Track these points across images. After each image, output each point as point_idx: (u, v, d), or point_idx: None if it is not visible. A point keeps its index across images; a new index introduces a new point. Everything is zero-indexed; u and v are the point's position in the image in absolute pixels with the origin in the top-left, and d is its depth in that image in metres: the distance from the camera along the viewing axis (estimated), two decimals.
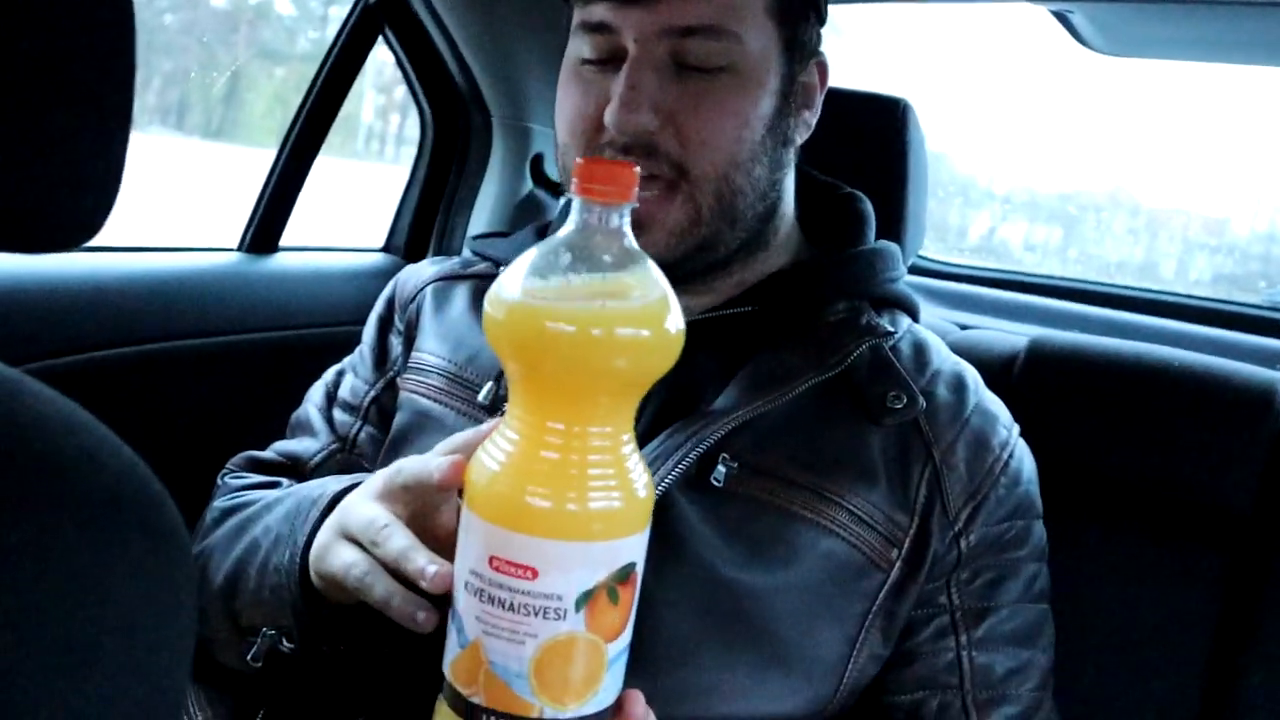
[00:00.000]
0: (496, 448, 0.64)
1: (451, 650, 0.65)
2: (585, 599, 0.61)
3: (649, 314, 0.63)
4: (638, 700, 0.67)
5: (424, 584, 0.68)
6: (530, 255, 0.64)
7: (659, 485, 0.85)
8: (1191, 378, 1.27)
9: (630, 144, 0.88)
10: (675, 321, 0.63)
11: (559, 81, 0.97)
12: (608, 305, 0.62)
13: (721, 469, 0.88)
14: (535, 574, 0.60)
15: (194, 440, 1.16)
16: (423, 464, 0.74)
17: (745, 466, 0.89)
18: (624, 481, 0.63)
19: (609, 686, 0.64)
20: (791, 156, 0.99)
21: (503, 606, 0.61)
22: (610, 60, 0.91)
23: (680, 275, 0.93)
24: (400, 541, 0.72)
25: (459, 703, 0.64)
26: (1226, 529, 1.22)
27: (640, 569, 0.64)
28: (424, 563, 0.69)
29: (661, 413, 0.93)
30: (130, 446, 0.53)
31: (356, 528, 0.77)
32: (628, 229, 0.64)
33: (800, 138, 0.99)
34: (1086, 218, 3.65)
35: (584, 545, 0.61)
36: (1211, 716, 1.17)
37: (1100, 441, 1.27)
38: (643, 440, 0.90)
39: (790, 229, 1.03)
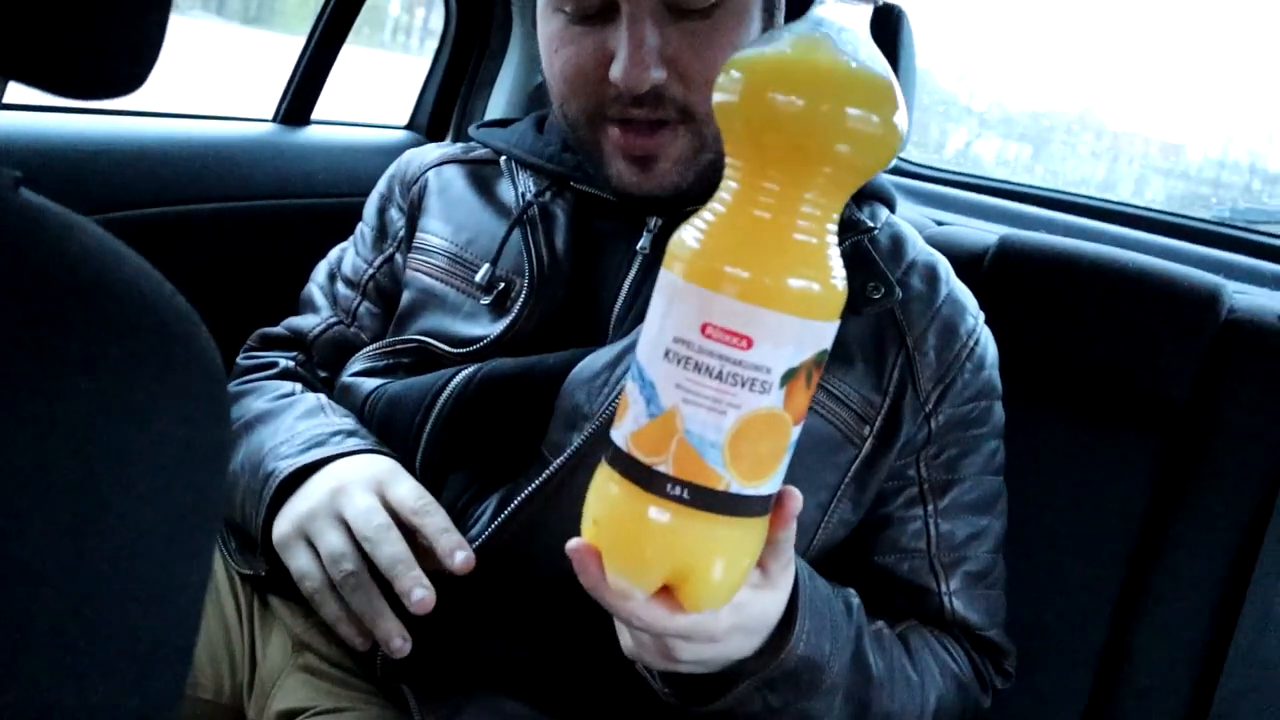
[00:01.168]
0: (721, 217, 0.59)
1: (636, 421, 0.59)
2: (789, 376, 0.57)
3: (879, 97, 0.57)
4: (796, 499, 0.63)
5: (407, 602, 0.70)
6: (764, 38, 0.59)
7: None
8: (1144, 278, 1.27)
9: (641, 97, 0.85)
10: (902, 118, 0.57)
11: (540, 24, 0.91)
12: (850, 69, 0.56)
13: None
14: (750, 344, 0.56)
15: (229, 296, 1.16)
16: (394, 565, 0.76)
17: None
18: (834, 265, 0.60)
19: (781, 472, 0.61)
20: None
21: (710, 375, 0.56)
22: (598, 14, 0.85)
23: (686, 203, 0.90)
24: (394, 550, 0.74)
25: (637, 471, 0.58)
26: (1165, 417, 1.23)
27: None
28: (411, 584, 0.71)
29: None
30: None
31: (353, 513, 0.79)
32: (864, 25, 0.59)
33: None
34: (1055, 137, 3.62)
35: (801, 321, 0.57)
36: (1135, 587, 1.19)
37: (1058, 333, 1.27)
38: (633, 327, 0.90)
39: None
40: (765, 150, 0.57)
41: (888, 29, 1.26)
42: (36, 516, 0.40)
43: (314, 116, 1.61)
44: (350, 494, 0.82)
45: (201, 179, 1.37)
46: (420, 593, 0.71)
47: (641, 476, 0.58)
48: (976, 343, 0.95)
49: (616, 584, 0.60)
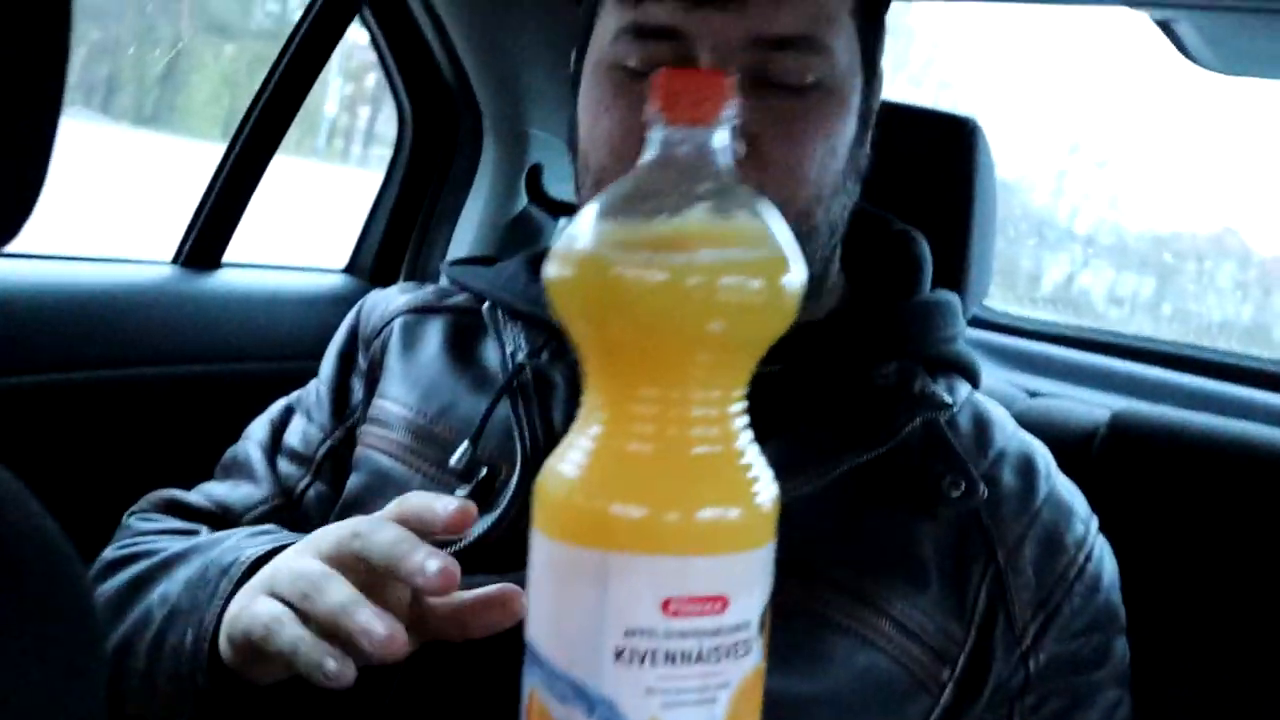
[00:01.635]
0: (619, 461, 0.58)
1: None
2: (763, 617, 0.57)
3: (759, 264, 0.58)
4: None
5: (367, 644, 0.66)
6: (604, 197, 0.60)
7: None
8: None
9: None
10: (794, 276, 0.58)
11: (585, 88, 0.96)
12: (705, 253, 0.56)
13: None
14: (725, 603, 0.55)
15: (112, 489, 1.16)
16: (395, 546, 0.70)
17: None
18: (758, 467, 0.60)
19: None
20: (858, 189, 0.99)
21: (690, 661, 0.54)
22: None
23: None
24: (341, 593, 0.69)
25: None
26: None
27: None
28: (368, 618, 0.67)
29: None
30: (38, 495, 0.53)
31: (285, 581, 0.74)
32: (726, 154, 0.59)
33: (864, 164, 0.99)
34: (1185, 266, 3.67)
35: (766, 549, 0.57)
36: None
37: (1195, 538, 1.27)
38: None
39: (836, 273, 1.03)
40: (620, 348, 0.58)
41: (959, 148, 1.30)
42: None
43: (226, 258, 1.64)
44: (287, 560, 0.79)
45: (82, 338, 1.40)
46: (384, 628, 0.66)
47: None
48: (1089, 557, 0.95)
49: None
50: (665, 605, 0.54)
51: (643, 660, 0.54)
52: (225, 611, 0.80)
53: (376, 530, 0.71)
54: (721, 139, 0.59)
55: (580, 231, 0.57)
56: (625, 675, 0.54)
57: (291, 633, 0.71)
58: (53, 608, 0.50)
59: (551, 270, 0.58)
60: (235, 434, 1.15)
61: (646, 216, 0.57)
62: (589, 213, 0.57)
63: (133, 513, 1.07)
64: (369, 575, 0.72)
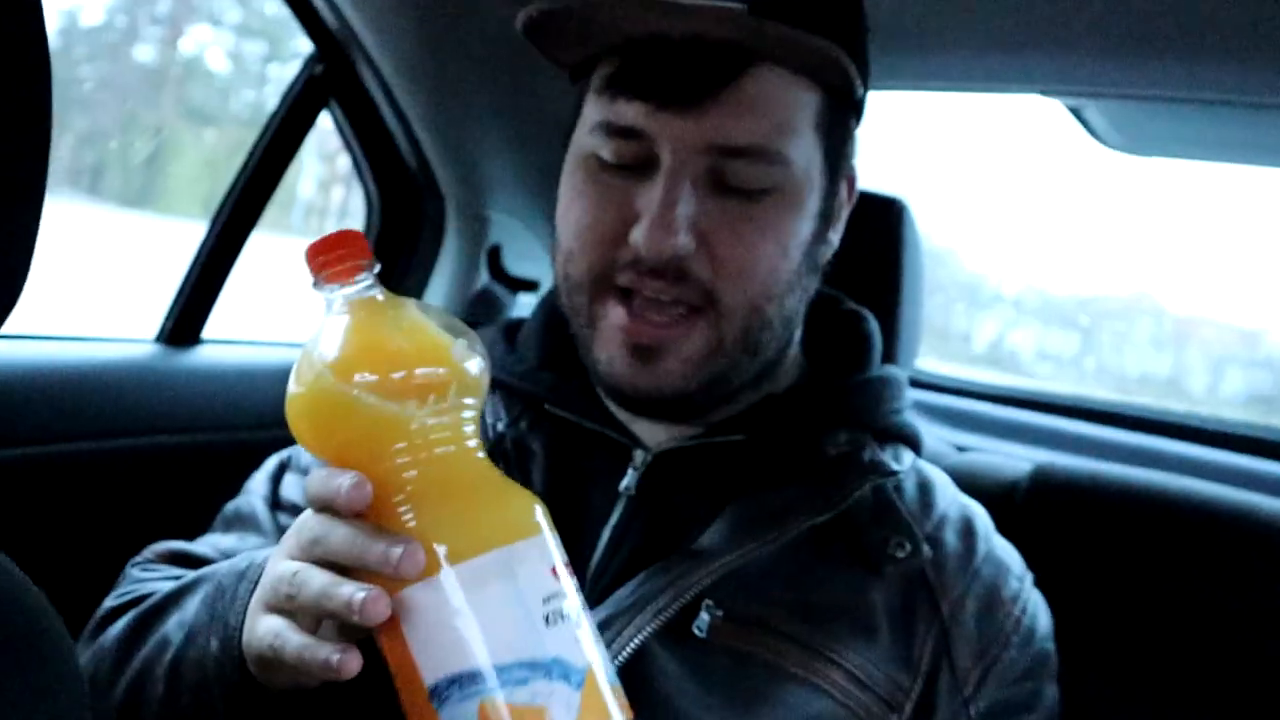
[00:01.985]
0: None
1: (570, 711, 0.63)
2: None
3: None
4: None
5: (356, 616, 0.64)
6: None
7: (636, 636, 0.85)
8: (1223, 514, 1.28)
9: (661, 267, 0.88)
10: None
11: (565, 175, 0.96)
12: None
13: (705, 617, 0.88)
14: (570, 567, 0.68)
15: (99, 555, 1.16)
16: (354, 541, 0.67)
17: (730, 616, 0.89)
18: None
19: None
20: (817, 284, 1.00)
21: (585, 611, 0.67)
22: (637, 166, 0.90)
23: (685, 411, 0.95)
24: (318, 581, 0.67)
25: None
26: (1260, 685, 1.21)
27: None
28: (350, 590, 0.64)
29: (639, 551, 0.93)
30: (21, 564, 0.54)
31: (269, 590, 0.73)
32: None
33: (826, 258, 1.00)
34: (1106, 325, 3.70)
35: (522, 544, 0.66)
36: None
37: (1113, 586, 1.28)
38: (618, 582, 0.90)
39: (795, 351, 1.04)
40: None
41: (888, 226, 1.32)
42: None
43: (207, 333, 1.64)
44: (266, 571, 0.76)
45: (66, 413, 1.39)
46: (361, 594, 0.63)
47: None
48: (1024, 610, 0.96)
49: None
50: (553, 571, 0.65)
51: (561, 617, 0.64)
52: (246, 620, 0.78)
53: (307, 581, 0.68)
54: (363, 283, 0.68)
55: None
56: (556, 633, 0.63)
57: (294, 642, 0.70)
58: (34, 663, 0.50)
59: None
60: (217, 500, 1.14)
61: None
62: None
63: (135, 563, 1.04)
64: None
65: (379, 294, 0.69)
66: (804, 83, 0.91)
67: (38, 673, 0.50)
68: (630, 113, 0.89)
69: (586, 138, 0.93)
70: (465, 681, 0.62)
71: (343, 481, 0.66)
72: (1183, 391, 3.64)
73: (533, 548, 0.65)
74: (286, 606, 0.71)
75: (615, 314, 0.92)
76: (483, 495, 0.68)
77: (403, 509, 0.66)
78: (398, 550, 0.63)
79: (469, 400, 0.68)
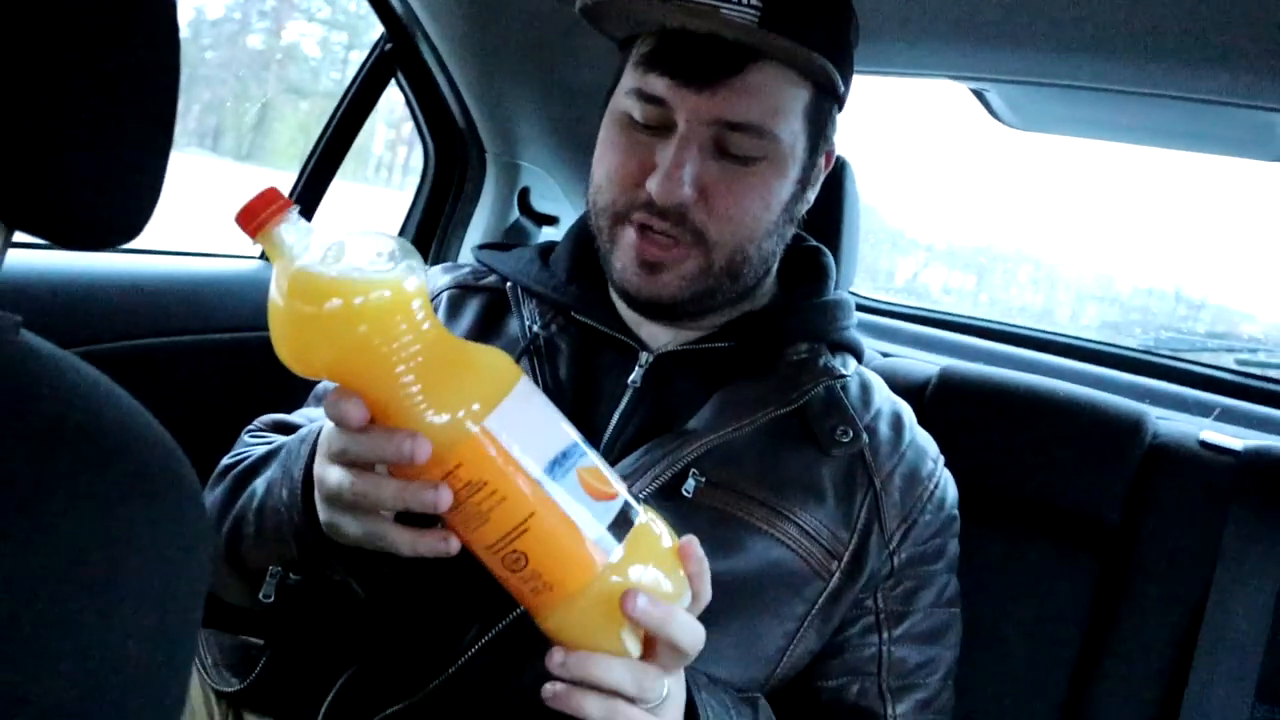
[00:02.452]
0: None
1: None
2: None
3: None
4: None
5: (431, 509, 0.63)
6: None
7: (640, 494, 0.85)
8: (1074, 407, 1.30)
9: (666, 210, 0.88)
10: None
11: (603, 127, 0.95)
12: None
13: (691, 482, 0.89)
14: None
15: (213, 422, 1.15)
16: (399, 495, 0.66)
17: (712, 482, 0.90)
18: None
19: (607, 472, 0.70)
20: (793, 230, 0.99)
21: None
22: (658, 127, 0.89)
23: (684, 315, 0.95)
24: (390, 487, 0.65)
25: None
26: (1099, 537, 1.24)
27: None
28: (430, 493, 0.63)
29: (641, 430, 0.93)
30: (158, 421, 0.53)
31: (331, 486, 0.70)
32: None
33: (802, 211, 0.99)
34: (996, 267, 3.70)
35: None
36: (1077, 692, 1.20)
37: (996, 460, 1.29)
38: (625, 452, 0.91)
39: (771, 279, 1.03)
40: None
41: (832, 178, 1.30)
42: (19, 642, 0.41)
43: None
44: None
45: (193, 312, 1.39)
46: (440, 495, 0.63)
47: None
48: (937, 485, 0.98)
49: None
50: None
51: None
52: (311, 469, 0.78)
53: (350, 444, 0.66)
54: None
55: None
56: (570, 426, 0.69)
57: (399, 538, 0.69)
58: (171, 501, 0.49)
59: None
60: (303, 383, 1.13)
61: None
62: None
63: (248, 430, 1.05)
64: None
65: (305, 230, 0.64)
66: (798, 79, 0.90)
67: (173, 504, 0.49)
68: (658, 85, 0.88)
69: (623, 99, 0.92)
70: (542, 478, 0.63)
71: (348, 408, 0.63)
72: (1053, 321, 3.65)
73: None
74: (368, 507, 0.69)
75: (629, 235, 0.91)
76: (473, 355, 0.66)
77: (420, 403, 0.62)
78: (408, 444, 0.61)
79: (415, 305, 0.63)
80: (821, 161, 0.99)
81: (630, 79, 0.91)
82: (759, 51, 0.86)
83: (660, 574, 0.66)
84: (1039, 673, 1.22)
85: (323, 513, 0.74)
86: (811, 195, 1.00)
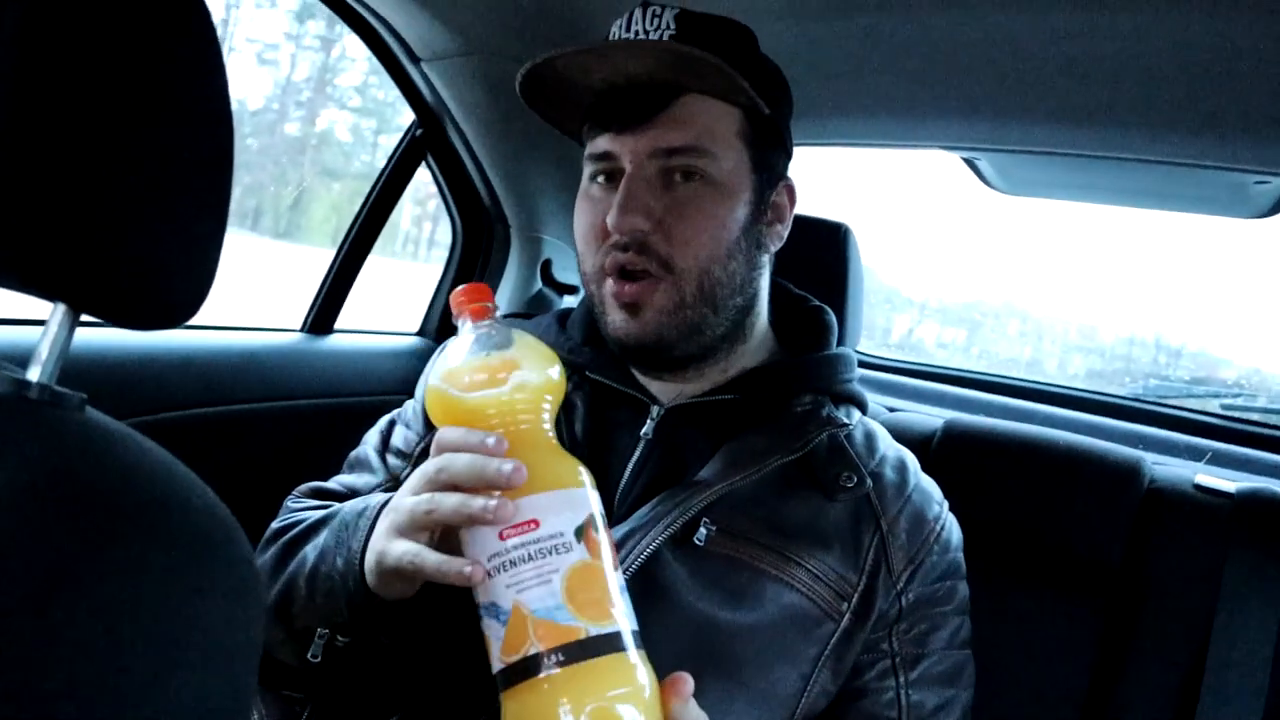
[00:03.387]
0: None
1: (496, 642, 0.64)
2: (580, 532, 0.65)
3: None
4: (687, 682, 0.68)
5: (492, 517, 0.65)
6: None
7: (651, 544, 0.85)
8: (1074, 455, 1.29)
9: (628, 243, 0.89)
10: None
11: (576, 202, 0.97)
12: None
13: (703, 531, 0.88)
14: (537, 524, 0.64)
15: (262, 485, 1.15)
16: (462, 505, 0.68)
17: (722, 530, 0.88)
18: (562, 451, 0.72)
19: (626, 609, 0.66)
20: (765, 261, 0.99)
21: (525, 561, 0.63)
22: (612, 179, 0.92)
23: (680, 360, 0.95)
24: (453, 499, 0.68)
25: (519, 669, 0.62)
26: (1103, 579, 1.22)
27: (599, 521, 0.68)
28: (482, 501, 0.66)
29: (654, 481, 0.92)
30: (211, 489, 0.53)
31: (404, 515, 0.73)
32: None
33: (773, 246, 0.99)
34: (986, 322, 3.70)
35: (568, 489, 0.67)
36: None
37: (1002, 508, 1.27)
38: (637, 504, 0.90)
39: (765, 330, 1.03)
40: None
41: (837, 245, 1.30)
42: (83, 705, 0.41)
43: (337, 325, 1.63)
44: (396, 506, 0.77)
45: (240, 383, 1.39)
46: (493, 501, 0.65)
47: (524, 669, 0.62)
48: (943, 527, 0.96)
49: None
50: (500, 535, 0.64)
51: (500, 570, 0.64)
52: (368, 545, 0.80)
53: (443, 501, 0.69)
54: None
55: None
56: (497, 583, 0.64)
57: (433, 559, 0.70)
58: (228, 569, 0.49)
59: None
60: (345, 447, 1.13)
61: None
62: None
63: (291, 497, 1.06)
64: None
65: (493, 329, 0.73)
66: (723, 105, 0.92)
67: (229, 571, 0.49)
68: (603, 142, 0.91)
69: (586, 167, 0.95)
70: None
71: (486, 438, 0.68)
72: (1041, 371, 3.64)
73: (523, 508, 0.65)
74: (424, 523, 0.72)
75: (609, 286, 0.92)
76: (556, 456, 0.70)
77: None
78: (508, 466, 0.65)
79: (548, 398, 0.71)
80: (783, 198, 0.99)
81: (586, 150, 0.94)
82: (681, 87, 0.89)
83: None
84: (1047, 715, 1.19)
85: (378, 551, 0.77)
86: (782, 230, 1.00)
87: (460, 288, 0.74)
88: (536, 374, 0.71)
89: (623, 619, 0.65)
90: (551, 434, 0.71)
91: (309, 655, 0.83)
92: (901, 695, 0.91)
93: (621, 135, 0.90)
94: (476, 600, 0.66)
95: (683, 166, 0.90)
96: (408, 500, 0.74)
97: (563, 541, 0.64)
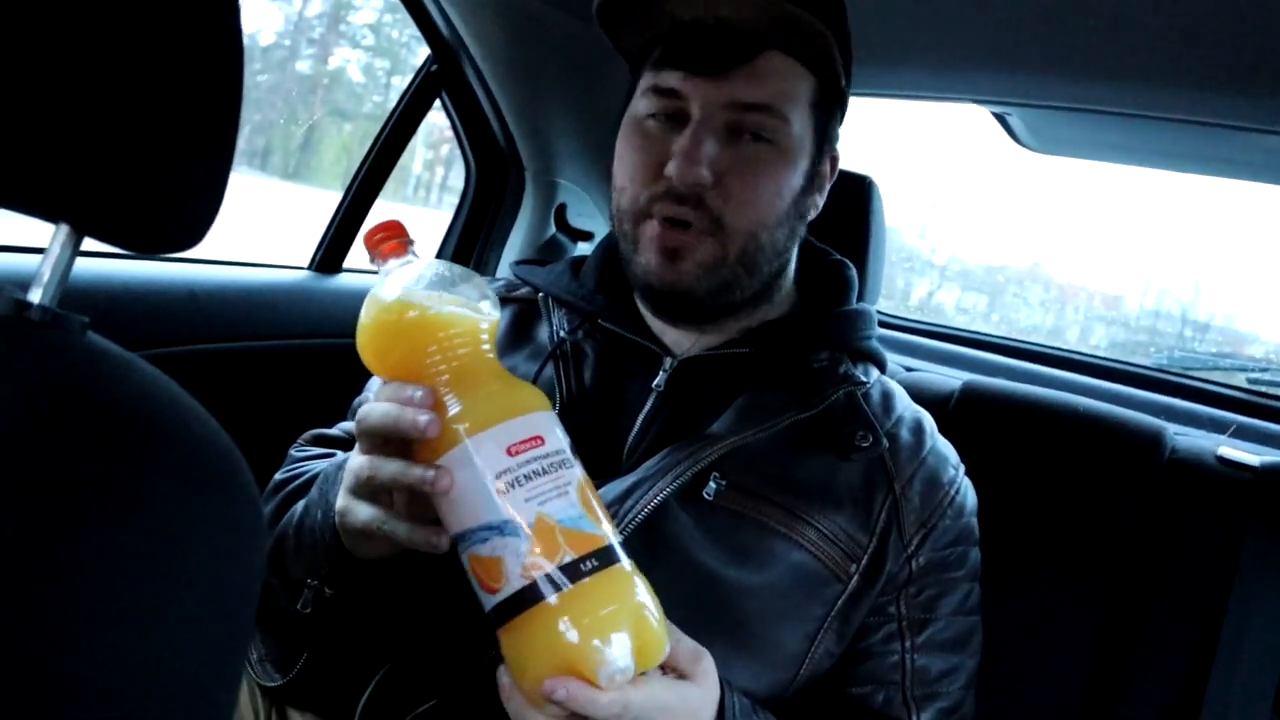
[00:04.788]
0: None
1: (518, 555, 0.63)
2: (573, 448, 0.67)
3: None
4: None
5: (428, 486, 0.66)
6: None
7: (658, 496, 0.84)
8: (1095, 422, 1.28)
9: (685, 194, 0.87)
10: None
11: (621, 134, 0.94)
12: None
13: (712, 485, 0.87)
14: (542, 440, 0.65)
15: (266, 423, 1.16)
16: (385, 416, 0.69)
17: (732, 485, 0.88)
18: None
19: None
20: (803, 229, 0.98)
21: (540, 474, 0.64)
22: (673, 120, 0.89)
23: (705, 313, 0.94)
24: (391, 464, 0.69)
25: (548, 584, 0.62)
26: (1119, 547, 1.22)
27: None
28: (420, 470, 0.66)
29: (664, 433, 0.92)
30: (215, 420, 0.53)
31: (350, 476, 0.75)
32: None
33: (812, 214, 0.98)
34: (1008, 288, 3.68)
35: (546, 414, 0.68)
36: (1095, 702, 1.18)
37: (1018, 472, 1.27)
38: (646, 455, 0.90)
39: (790, 287, 1.02)
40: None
41: (860, 197, 1.29)
42: (82, 632, 0.41)
43: (345, 265, 1.63)
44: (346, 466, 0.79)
45: (246, 319, 1.39)
46: (430, 472, 0.66)
47: (558, 579, 0.62)
48: (957, 492, 0.95)
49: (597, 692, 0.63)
50: (509, 450, 0.64)
51: (514, 485, 0.63)
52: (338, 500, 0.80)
53: (382, 466, 0.70)
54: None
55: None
56: (514, 497, 0.63)
57: (403, 528, 0.71)
58: (228, 498, 0.49)
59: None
60: (351, 388, 1.13)
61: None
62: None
63: (295, 446, 1.06)
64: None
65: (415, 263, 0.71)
66: (803, 70, 0.90)
67: (229, 501, 0.49)
68: (672, 79, 0.88)
69: (638, 102, 0.92)
70: (460, 544, 0.65)
71: (411, 392, 0.67)
72: (1062, 341, 3.62)
73: (489, 437, 0.65)
74: (369, 486, 0.72)
75: (651, 228, 0.90)
76: (489, 386, 0.69)
77: (447, 399, 0.67)
78: (424, 418, 0.66)
79: (484, 326, 0.70)
80: (827, 167, 0.98)
81: (645, 81, 0.91)
82: (767, 40, 0.87)
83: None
84: (1056, 684, 1.19)
85: (339, 509, 0.77)
86: (820, 199, 0.99)
87: (373, 226, 0.73)
88: (470, 304, 0.70)
89: (612, 532, 0.66)
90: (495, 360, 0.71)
91: (299, 605, 0.84)
92: (907, 659, 0.91)
93: (695, 79, 0.87)
94: (471, 527, 0.65)
95: (754, 125, 0.88)
96: (353, 460, 0.74)
97: (567, 456, 0.66)
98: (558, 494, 0.64)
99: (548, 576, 0.62)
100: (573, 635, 0.62)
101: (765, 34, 0.87)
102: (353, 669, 0.91)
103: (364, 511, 0.74)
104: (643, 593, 0.65)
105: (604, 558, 0.63)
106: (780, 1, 0.83)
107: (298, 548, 0.85)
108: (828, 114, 0.94)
